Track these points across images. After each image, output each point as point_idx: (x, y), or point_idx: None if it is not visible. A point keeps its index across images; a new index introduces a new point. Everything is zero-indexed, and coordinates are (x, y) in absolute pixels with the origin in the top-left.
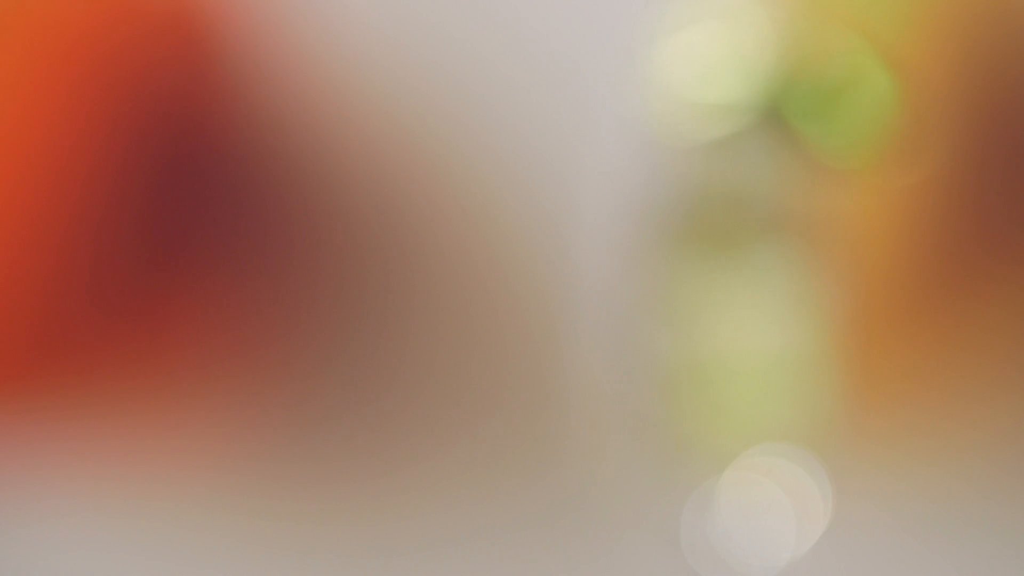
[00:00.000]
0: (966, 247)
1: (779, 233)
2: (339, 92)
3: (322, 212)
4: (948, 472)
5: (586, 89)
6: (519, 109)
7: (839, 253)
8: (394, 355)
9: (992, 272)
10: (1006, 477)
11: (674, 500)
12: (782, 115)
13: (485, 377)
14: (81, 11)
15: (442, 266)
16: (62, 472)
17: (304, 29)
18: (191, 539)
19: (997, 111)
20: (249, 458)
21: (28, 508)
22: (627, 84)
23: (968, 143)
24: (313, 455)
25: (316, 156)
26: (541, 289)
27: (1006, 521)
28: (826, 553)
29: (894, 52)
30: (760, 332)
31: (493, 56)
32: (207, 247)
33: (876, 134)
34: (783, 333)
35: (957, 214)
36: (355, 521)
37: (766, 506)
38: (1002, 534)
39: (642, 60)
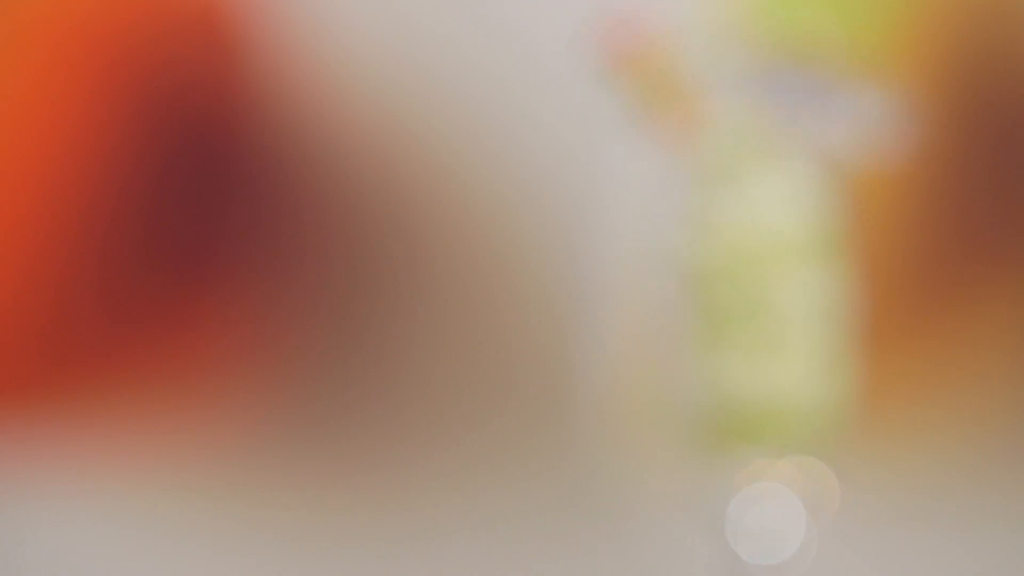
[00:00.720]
0: (962, 248)
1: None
2: (356, 99)
3: (341, 213)
4: (947, 465)
5: (594, 100)
6: (526, 114)
7: (842, 256)
8: (414, 351)
9: (984, 273)
10: (1001, 469)
11: (689, 487)
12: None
13: (501, 370)
14: (102, 11)
15: (459, 263)
16: (74, 469)
17: (324, 35)
18: (213, 531)
19: (987, 109)
20: (266, 453)
21: (37, 504)
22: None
23: (958, 141)
24: (338, 447)
25: (334, 159)
26: (555, 285)
27: (1003, 511)
28: (834, 542)
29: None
30: (774, 334)
31: (500, 64)
32: (223, 248)
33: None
34: (795, 337)
35: (949, 216)
36: (374, 509)
37: (778, 495)
38: (999, 524)
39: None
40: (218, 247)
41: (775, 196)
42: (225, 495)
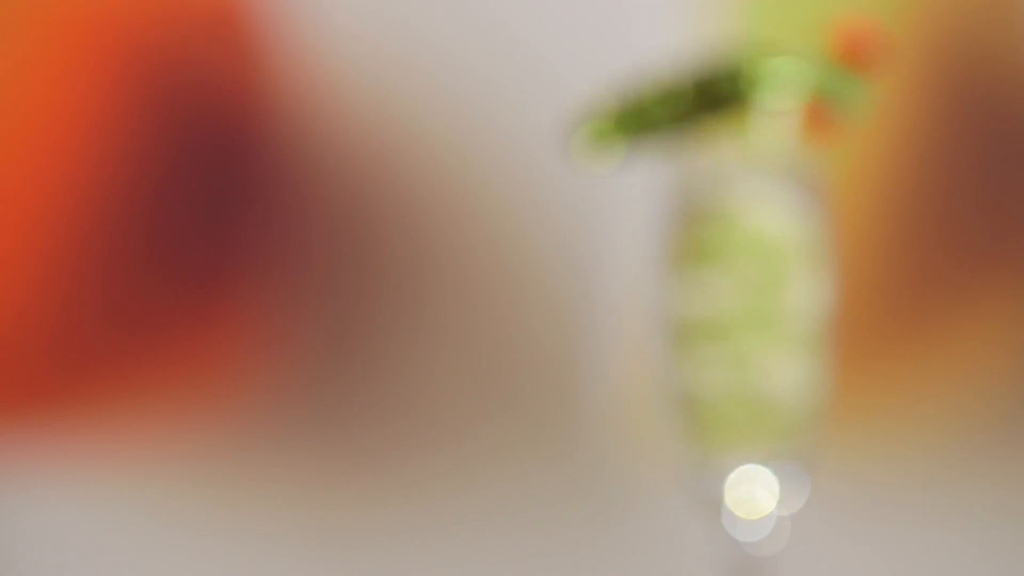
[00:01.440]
0: (952, 251)
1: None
2: (364, 101)
3: (351, 214)
4: (932, 460)
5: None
6: (532, 118)
7: (829, 260)
8: (424, 348)
9: (974, 276)
10: (986, 464)
11: (683, 476)
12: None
13: (508, 366)
14: (117, 11)
15: (469, 262)
16: (82, 467)
17: (337, 39)
18: (233, 528)
19: (978, 112)
20: (276, 449)
21: (47, 502)
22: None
23: (949, 145)
24: (351, 443)
25: (344, 162)
26: (560, 283)
27: (987, 504)
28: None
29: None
30: (755, 325)
31: (505, 70)
32: (234, 248)
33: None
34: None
35: (939, 220)
36: (385, 503)
37: (762, 482)
38: (982, 515)
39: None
40: (229, 247)
41: (770, 203)
42: (239, 491)
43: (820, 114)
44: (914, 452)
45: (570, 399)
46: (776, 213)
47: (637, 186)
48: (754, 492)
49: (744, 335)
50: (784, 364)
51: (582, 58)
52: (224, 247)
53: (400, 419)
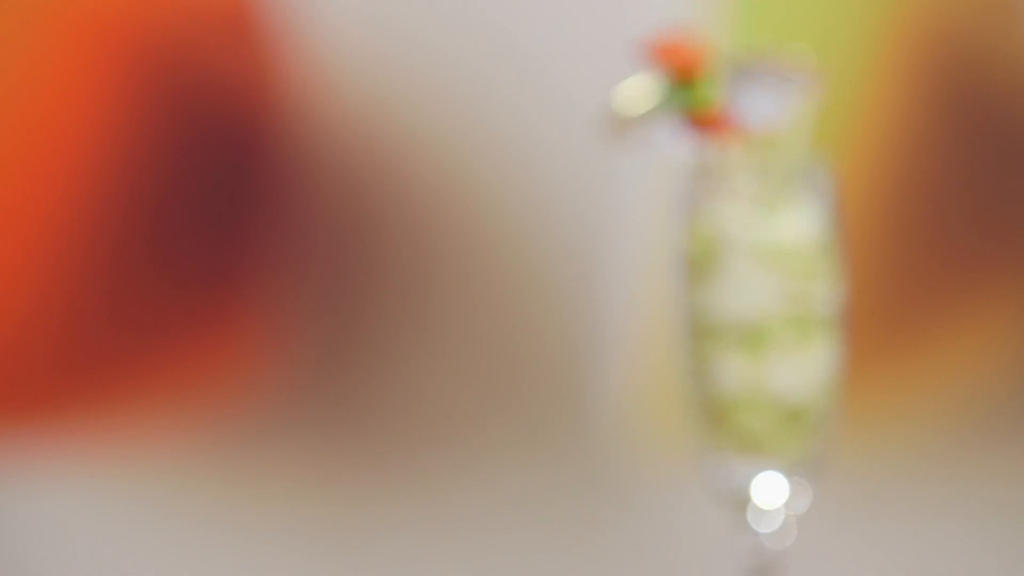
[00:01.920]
0: (937, 249)
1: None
2: (368, 104)
3: (358, 214)
4: (932, 456)
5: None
6: (538, 119)
7: (836, 262)
8: (434, 347)
9: (971, 277)
10: (983, 460)
11: (704, 470)
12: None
13: (517, 362)
14: (125, 12)
15: (475, 262)
16: (86, 465)
17: (349, 42)
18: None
19: (962, 115)
20: (283, 445)
21: (52, 499)
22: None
23: (946, 148)
24: (363, 437)
25: (351, 164)
26: (570, 279)
27: (983, 498)
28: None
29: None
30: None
31: (508, 74)
32: (241, 248)
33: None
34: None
35: (926, 219)
36: (397, 496)
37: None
38: (978, 509)
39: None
40: (233, 249)
41: (783, 206)
42: (245, 489)
43: (711, 117)
44: (917, 450)
45: (575, 395)
46: (789, 215)
47: (640, 184)
48: (767, 487)
49: (757, 336)
50: (799, 365)
51: (582, 60)
52: (229, 249)
53: (405, 416)
